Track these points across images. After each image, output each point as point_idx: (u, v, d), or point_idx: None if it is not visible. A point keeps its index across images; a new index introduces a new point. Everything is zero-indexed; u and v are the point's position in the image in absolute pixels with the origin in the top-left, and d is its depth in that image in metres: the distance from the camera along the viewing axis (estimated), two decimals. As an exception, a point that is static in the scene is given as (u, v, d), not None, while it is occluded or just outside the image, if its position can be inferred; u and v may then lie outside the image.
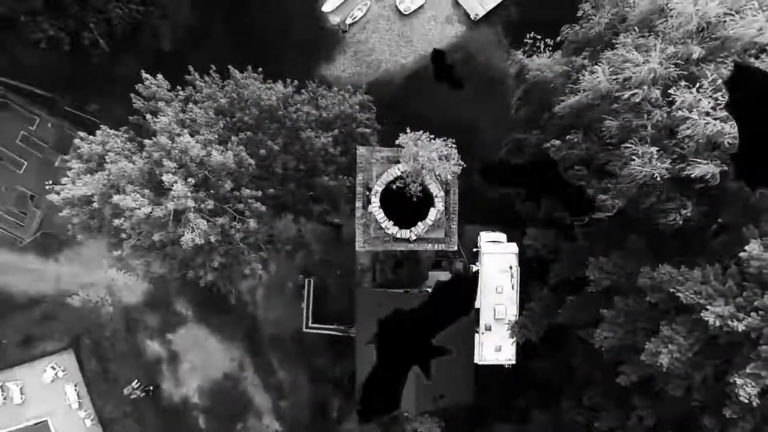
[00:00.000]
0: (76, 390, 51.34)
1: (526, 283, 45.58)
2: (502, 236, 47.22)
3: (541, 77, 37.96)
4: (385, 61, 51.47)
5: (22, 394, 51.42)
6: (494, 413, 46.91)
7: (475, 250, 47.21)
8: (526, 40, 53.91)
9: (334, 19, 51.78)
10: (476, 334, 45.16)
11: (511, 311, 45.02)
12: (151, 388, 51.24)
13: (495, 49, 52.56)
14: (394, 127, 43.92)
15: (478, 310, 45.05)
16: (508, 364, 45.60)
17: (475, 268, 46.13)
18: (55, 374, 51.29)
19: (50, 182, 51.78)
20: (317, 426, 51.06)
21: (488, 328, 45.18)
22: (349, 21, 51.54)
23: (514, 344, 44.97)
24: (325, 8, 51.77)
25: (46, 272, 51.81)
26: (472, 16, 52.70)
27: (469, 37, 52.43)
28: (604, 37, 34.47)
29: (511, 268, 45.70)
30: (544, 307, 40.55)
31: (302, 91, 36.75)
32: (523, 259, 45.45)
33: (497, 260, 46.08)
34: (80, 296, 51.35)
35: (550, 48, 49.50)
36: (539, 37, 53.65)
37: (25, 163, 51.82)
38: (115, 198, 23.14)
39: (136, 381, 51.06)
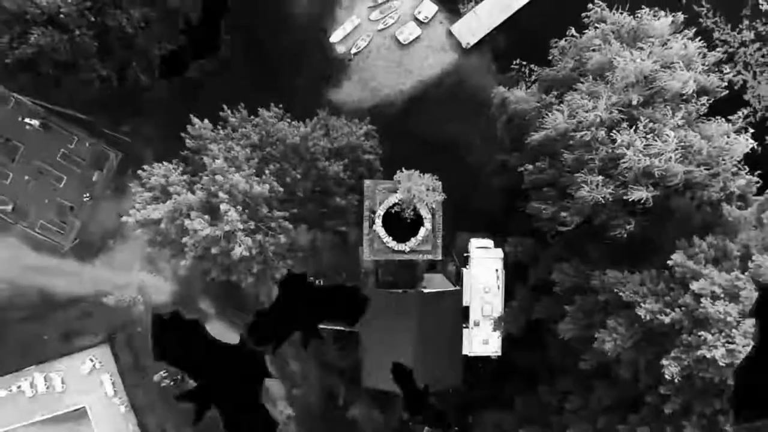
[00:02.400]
0: (111, 380, 58.97)
1: (512, 284, 53.55)
2: (489, 242, 55.18)
3: (520, 109, 45.86)
4: (386, 87, 59.50)
5: (63, 383, 59.04)
6: (483, 398, 55.03)
7: (465, 255, 55.12)
8: (512, 66, 62.42)
9: (341, 49, 59.83)
10: (466, 329, 53.07)
11: (498, 309, 52.97)
12: (178, 378, 59.21)
13: (485, 75, 60.58)
14: (394, 146, 52.36)
15: (467, 307, 53.00)
16: (495, 356, 53.59)
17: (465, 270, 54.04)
18: (93, 366, 58.90)
19: (87, 195, 60.44)
20: (326, 412, 59.10)
21: (477, 324, 53.10)
22: (354, 50, 59.59)
23: (500, 338, 53.00)
24: (333, 39, 59.80)
25: (84, 275, 59.44)
26: (463, 45, 60.64)
27: (462, 64, 60.43)
28: (571, 77, 42.50)
29: (497, 270, 53.73)
30: (523, 304, 48.65)
31: (313, 119, 44.89)
32: (508, 262, 53.53)
33: (485, 264, 54.08)
34: (114, 296, 58.90)
35: (534, 73, 57.65)
36: (524, 63, 62.25)
37: (65, 177, 59.63)
38: (187, 222, 31.22)
39: (164, 371, 59.04)
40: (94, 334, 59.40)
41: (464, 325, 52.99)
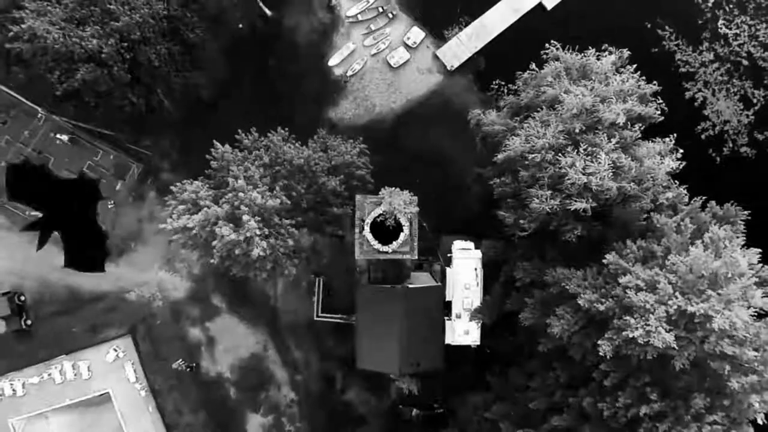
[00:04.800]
0: (133, 367, 67.77)
1: (489, 281, 63.02)
2: (470, 244, 64.72)
3: (492, 129, 55.35)
4: (378, 105, 69.24)
5: (89, 371, 67.76)
6: (463, 382, 64.62)
7: (449, 255, 64.69)
8: (492, 86, 72.15)
9: (338, 71, 69.57)
10: (449, 321, 62.63)
11: (477, 303, 62.47)
12: (193, 365, 68.66)
13: (467, 94, 70.27)
14: (385, 158, 61.91)
15: (450, 302, 62.55)
16: (474, 344, 63.09)
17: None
18: (116, 355, 67.70)
19: (112, 202, 69.93)
20: (325, 395, 68.46)
21: (458, 316, 62.58)
22: (349, 73, 69.30)
23: (479, 328, 62.52)
24: (331, 62, 69.51)
25: (108, 274, 68.99)
26: (448, 67, 70.26)
27: (446, 84, 70.13)
28: (534, 104, 52.06)
29: (476, 269, 63.26)
30: (496, 298, 58.20)
31: (314, 138, 54.67)
32: (485, 261, 63.07)
33: (466, 263, 63.62)
34: (136, 293, 68.16)
35: (513, 92, 67.65)
36: (502, 83, 72.01)
37: (91, 186, 69.34)
38: (216, 229, 40.87)
39: (180, 359, 68.50)
40: (117, 327, 67.95)
41: (447, 318, 62.62)
